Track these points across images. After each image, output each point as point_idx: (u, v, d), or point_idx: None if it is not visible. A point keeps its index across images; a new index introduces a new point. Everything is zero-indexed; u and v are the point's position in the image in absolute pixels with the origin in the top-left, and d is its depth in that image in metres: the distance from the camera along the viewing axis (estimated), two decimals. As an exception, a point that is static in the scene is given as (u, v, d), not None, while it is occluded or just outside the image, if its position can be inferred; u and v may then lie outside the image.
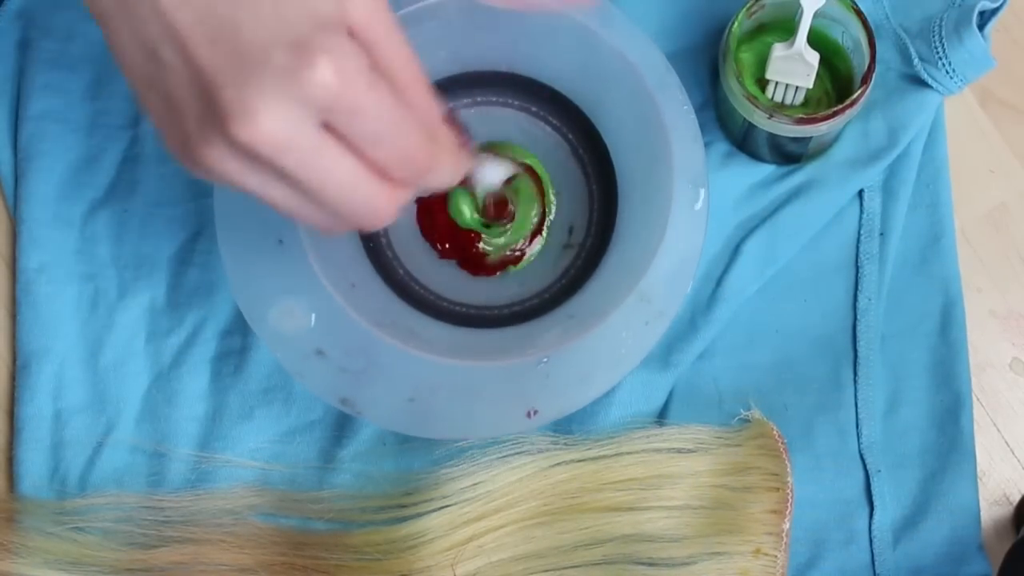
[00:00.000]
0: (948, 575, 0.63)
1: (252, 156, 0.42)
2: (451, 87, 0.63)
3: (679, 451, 0.63)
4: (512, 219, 0.63)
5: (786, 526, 0.61)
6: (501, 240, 0.63)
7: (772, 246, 0.65)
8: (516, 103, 0.64)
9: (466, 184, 0.59)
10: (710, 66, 0.67)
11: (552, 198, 0.63)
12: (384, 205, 0.45)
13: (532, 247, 0.63)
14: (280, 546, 0.63)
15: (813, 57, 0.60)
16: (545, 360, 0.58)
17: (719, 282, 0.65)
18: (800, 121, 0.60)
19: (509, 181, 0.62)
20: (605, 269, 0.60)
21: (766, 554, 0.61)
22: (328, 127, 0.42)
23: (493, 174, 0.60)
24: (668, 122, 0.58)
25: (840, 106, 0.60)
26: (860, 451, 0.64)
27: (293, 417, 0.65)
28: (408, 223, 0.63)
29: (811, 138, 0.62)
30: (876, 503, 0.64)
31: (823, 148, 0.65)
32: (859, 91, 0.60)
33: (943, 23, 0.64)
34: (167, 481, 0.64)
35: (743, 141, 0.65)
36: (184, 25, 0.42)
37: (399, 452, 0.64)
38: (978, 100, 0.68)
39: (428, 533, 0.61)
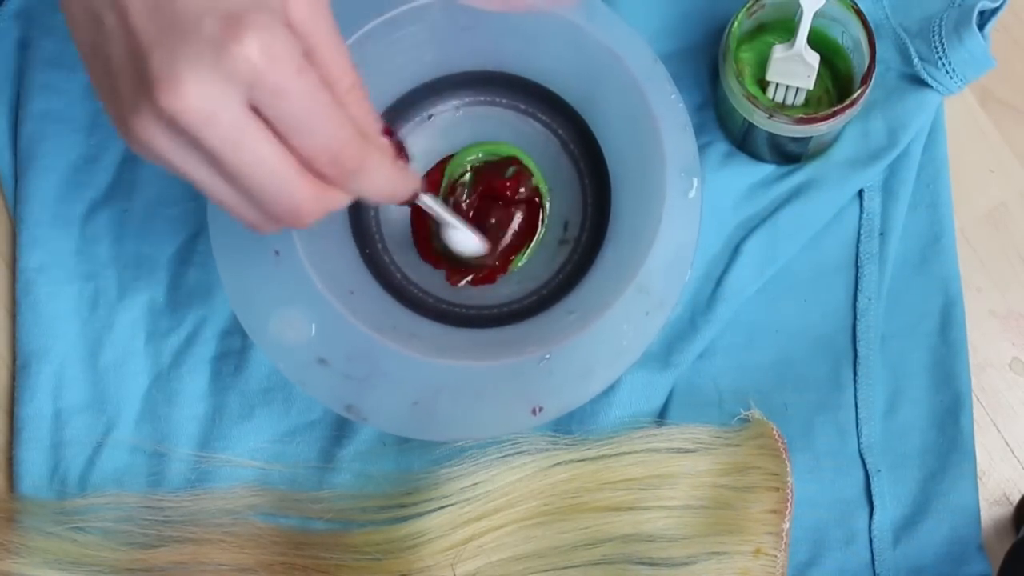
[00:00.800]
0: (948, 575, 0.63)
1: (176, 128, 0.42)
2: (439, 88, 0.63)
3: (679, 451, 0.63)
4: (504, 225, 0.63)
5: (786, 526, 0.61)
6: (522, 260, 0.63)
7: (772, 246, 0.65)
8: (504, 101, 0.64)
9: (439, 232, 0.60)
10: (710, 66, 0.67)
11: (546, 194, 0.64)
12: (306, 200, 0.45)
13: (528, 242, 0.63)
14: (280, 546, 0.63)
15: (813, 58, 0.60)
16: (547, 356, 0.58)
17: (719, 282, 0.65)
18: (800, 121, 0.60)
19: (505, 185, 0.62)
20: (602, 263, 0.60)
21: (766, 554, 0.61)
22: (255, 110, 0.42)
23: (464, 244, 0.60)
24: (657, 112, 0.58)
25: (840, 106, 0.60)
26: (860, 451, 0.64)
27: (293, 417, 0.65)
28: (403, 228, 0.63)
29: (811, 138, 0.62)
30: (876, 503, 0.64)
31: (823, 148, 0.65)
32: (859, 91, 0.60)
33: (943, 23, 0.64)
34: (167, 481, 0.64)
35: (743, 141, 0.65)
36: None
37: (399, 452, 0.64)
38: (978, 100, 0.68)
39: (428, 533, 0.61)
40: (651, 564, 0.61)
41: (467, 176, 0.63)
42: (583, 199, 0.63)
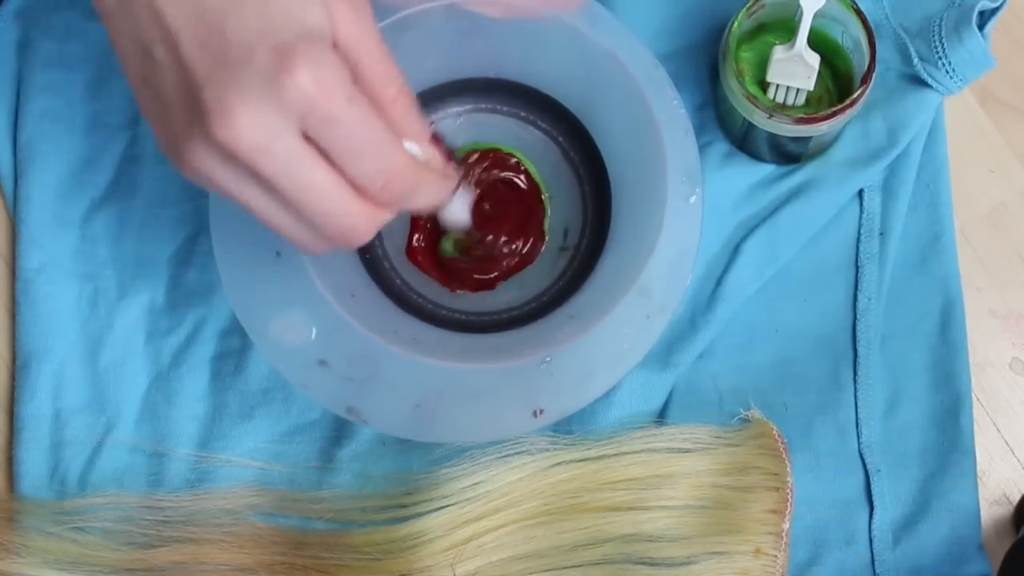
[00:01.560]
0: (948, 575, 0.63)
1: (231, 157, 0.43)
2: (439, 95, 0.63)
3: (679, 451, 0.63)
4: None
5: (786, 526, 0.61)
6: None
7: (772, 246, 0.65)
8: (505, 108, 0.64)
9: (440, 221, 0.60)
10: (710, 66, 0.67)
11: (546, 201, 0.63)
12: (361, 223, 0.46)
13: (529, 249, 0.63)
14: (280, 546, 0.63)
15: (814, 59, 0.60)
16: (548, 359, 0.58)
17: (719, 282, 0.65)
18: (800, 121, 0.60)
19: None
20: (603, 268, 0.60)
21: (766, 554, 0.61)
22: (309, 138, 0.43)
23: (458, 211, 0.59)
24: (659, 118, 0.58)
25: (840, 106, 0.60)
26: (860, 451, 0.64)
27: (293, 417, 0.65)
28: (405, 234, 0.63)
29: (811, 138, 0.62)
30: (876, 503, 0.64)
31: (823, 148, 0.65)
32: (859, 91, 0.60)
33: (943, 23, 0.64)
34: (167, 481, 0.64)
35: (743, 141, 0.65)
36: (176, 26, 0.43)
37: (399, 452, 0.64)
38: (978, 100, 0.68)
39: (428, 533, 0.61)
40: (651, 564, 0.61)
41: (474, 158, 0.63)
42: (583, 206, 0.63)
